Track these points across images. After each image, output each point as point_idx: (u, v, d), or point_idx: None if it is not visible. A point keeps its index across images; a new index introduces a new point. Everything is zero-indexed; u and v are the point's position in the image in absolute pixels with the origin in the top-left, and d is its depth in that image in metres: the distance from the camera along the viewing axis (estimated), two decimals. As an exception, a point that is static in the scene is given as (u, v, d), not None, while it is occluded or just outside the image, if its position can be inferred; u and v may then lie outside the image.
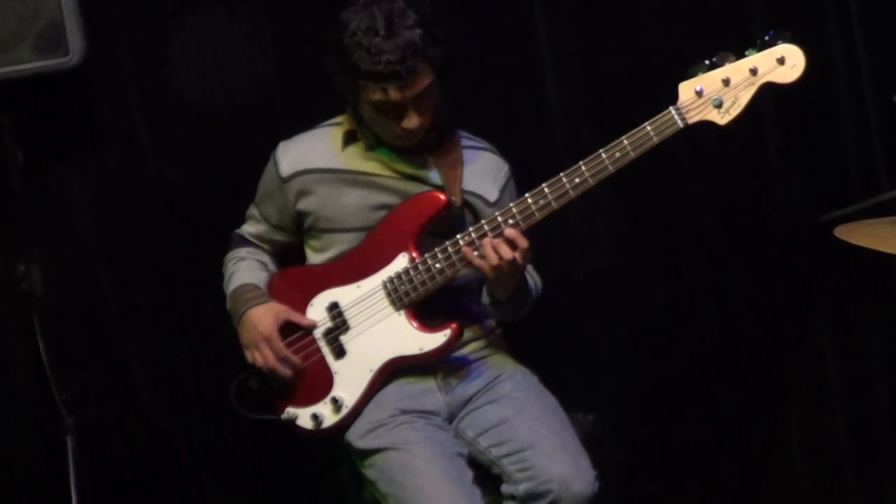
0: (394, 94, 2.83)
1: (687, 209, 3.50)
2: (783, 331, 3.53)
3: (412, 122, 2.87)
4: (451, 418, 3.01)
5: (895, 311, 3.42)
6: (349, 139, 3.02)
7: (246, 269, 3.12)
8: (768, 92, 3.35)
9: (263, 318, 3.00)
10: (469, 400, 3.01)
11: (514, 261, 2.79)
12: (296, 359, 2.99)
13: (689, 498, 3.58)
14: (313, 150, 3.03)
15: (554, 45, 3.46)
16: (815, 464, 3.55)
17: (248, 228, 3.18)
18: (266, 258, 3.16)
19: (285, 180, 3.03)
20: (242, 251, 3.16)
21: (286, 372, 2.99)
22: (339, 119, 3.06)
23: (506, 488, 2.88)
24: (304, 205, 3.02)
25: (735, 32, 3.23)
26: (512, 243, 2.80)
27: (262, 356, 2.99)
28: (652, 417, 3.56)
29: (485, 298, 3.02)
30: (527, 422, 2.91)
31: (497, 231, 2.83)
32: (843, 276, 3.45)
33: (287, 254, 3.17)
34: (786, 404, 3.56)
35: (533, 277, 3.05)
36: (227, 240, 3.22)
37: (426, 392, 2.99)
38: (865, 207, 3.04)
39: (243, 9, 3.53)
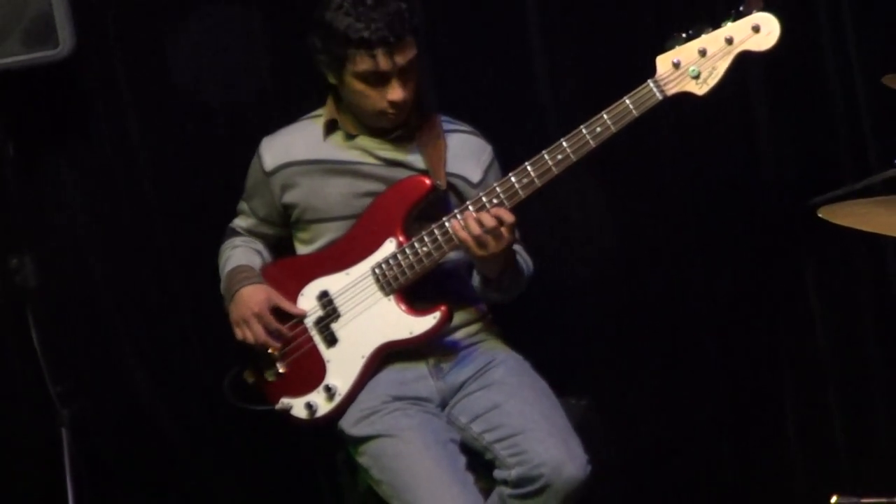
0: (383, 62, 2.85)
1: (677, 193, 3.50)
2: (776, 315, 3.53)
3: (397, 93, 2.89)
4: (443, 404, 3.02)
5: (887, 292, 3.41)
6: (330, 129, 3.04)
7: (240, 253, 3.15)
8: (758, 77, 3.39)
9: (255, 294, 3.02)
10: (461, 386, 3.01)
11: (498, 234, 2.81)
12: (286, 331, 3.00)
13: (681, 482, 3.58)
14: (295, 142, 3.06)
15: (544, 31, 3.46)
16: (809, 447, 3.55)
17: (240, 222, 3.21)
18: (260, 246, 3.19)
19: (269, 174, 3.06)
20: (237, 240, 3.19)
21: (276, 345, 3.00)
22: (319, 111, 3.08)
23: (498, 473, 2.89)
24: (290, 197, 3.04)
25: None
26: (498, 219, 2.81)
27: (251, 332, 3.01)
28: (644, 402, 3.56)
29: (475, 281, 3.02)
30: (519, 407, 2.92)
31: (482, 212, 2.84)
32: (834, 259, 3.45)
33: (278, 248, 3.19)
34: (780, 388, 3.55)
35: (523, 258, 3.05)
36: (220, 231, 3.24)
37: (418, 378, 3.00)
38: (855, 190, 3.05)
39: (236, 1, 3.53)
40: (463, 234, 2.83)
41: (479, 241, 2.82)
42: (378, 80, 2.89)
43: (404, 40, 2.86)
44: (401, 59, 2.86)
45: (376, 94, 2.91)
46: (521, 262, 3.02)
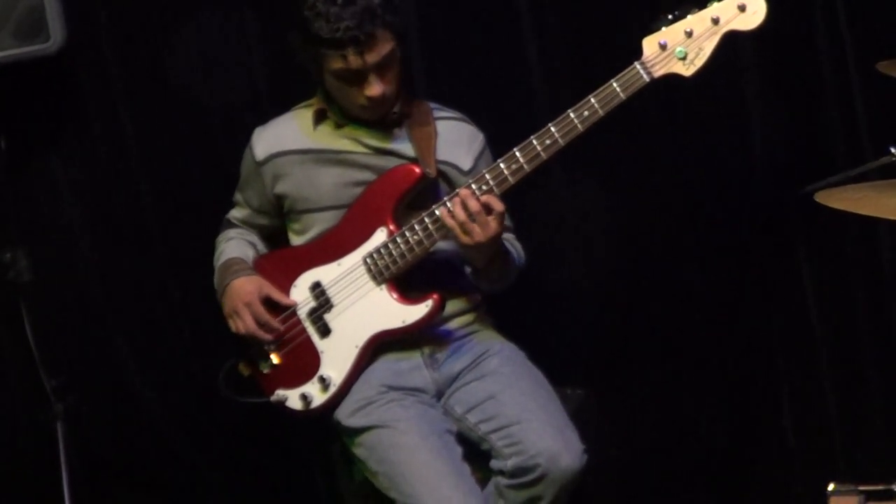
0: (354, 61, 2.85)
1: (670, 182, 3.49)
2: (771, 302, 3.52)
3: (374, 89, 2.89)
4: (439, 395, 3.01)
5: (881, 278, 3.40)
6: (320, 118, 3.04)
7: (234, 246, 3.15)
8: (751, 63, 3.38)
9: (246, 285, 3.03)
10: (457, 376, 3.01)
11: (484, 222, 2.80)
12: (277, 324, 3.00)
13: (678, 471, 3.57)
14: (286, 132, 3.06)
15: (535, 16, 3.45)
16: (806, 435, 3.54)
17: (235, 213, 3.21)
18: (255, 238, 3.19)
19: (260, 164, 3.06)
20: (232, 232, 3.20)
21: (267, 337, 3.00)
22: (310, 101, 3.08)
23: (495, 464, 2.89)
24: (281, 188, 3.05)
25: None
26: (487, 207, 2.81)
27: (242, 323, 3.01)
28: (640, 391, 3.55)
29: (467, 270, 3.02)
30: (514, 397, 2.92)
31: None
32: (828, 247, 3.44)
33: (273, 238, 3.19)
34: (776, 376, 3.54)
35: (515, 247, 3.05)
36: (213, 223, 3.24)
37: (413, 369, 3.00)
38: (850, 177, 3.03)
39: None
40: (449, 221, 2.83)
41: (464, 229, 2.82)
42: (353, 77, 2.88)
43: (375, 37, 2.84)
44: (373, 57, 2.85)
45: (354, 91, 2.91)
46: (512, 252, 3.02)
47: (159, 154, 3.56)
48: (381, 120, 3.00)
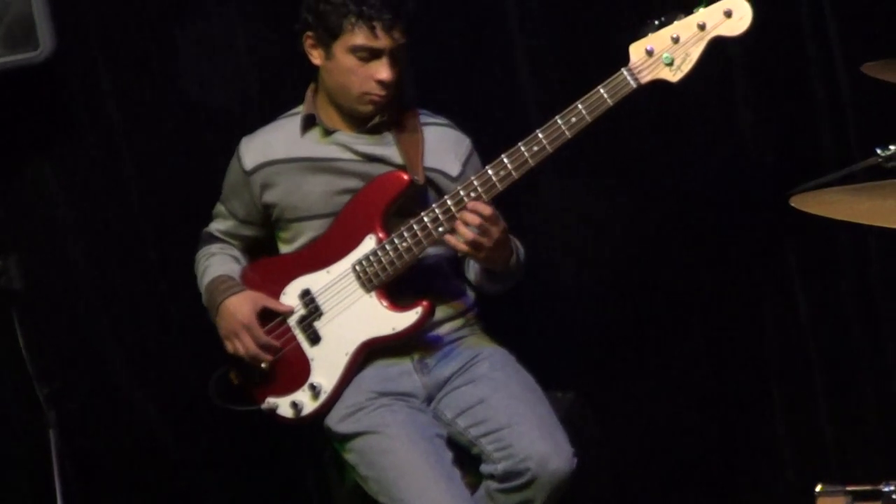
0: (381, 35, 2.88)
1: (660, 187, 3.50)
2: (761, 305, 3.53)
3: (386, 72, 2.90)
4: (429, 400, 3.02)
5: (870, 280, 3.42)
6: (307, 125, 3.04)
7: (218, 262, 3.14)
8: (739, 67, 3.39)
9: (241, 306, 3.02)
10: (447, 381, 3.02)
11: (485, 230, 2.81)
12: (276, 344, 3.01)
13: (668, 474, 3.58)
14: (274, 141, 3.07)
15: (525, 23, 3.46)
16: (796, 437, 3.55)
17: (217, 226, 3.20)
18: (237, 253, 3.18)
19: (249, 173, 3.06)
20: (213, 247, 3.18)
21: (267, 358, 3.01)
22: (296, 109, 3.09)
23: (485, 468, 2.89)
24: (270, 197, 3.05)
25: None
26: (477, 213, 2.81)
27: (242, 345, 3.01)
28: (630, 394, 3.56)
29: (471, 275, 3.04)
30: (504, 401, 2.92)
31: (461, 206, 2.85)
32: (817, 248, 3.44)
33: (257, 249, 3.18)
34: (766, 379, 3.55)
35: (514, 242, 3.05)
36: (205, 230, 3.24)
37: (403, 374, 3.00)
38: (836, 178, 3.04)
39: (219, 4, 3.53)
40: (462, 247, 2.84)
41: (475, 247, 2.83)
42: (370, 55, 2.90)
43: (401, 21, 2.89)
44: (398, 35, 2.89)
45: (364, 73, 2.92)
46: (518, 249, 3.02)
47: (150, 160, 3.57)
48: (370, 119, 2.99)
